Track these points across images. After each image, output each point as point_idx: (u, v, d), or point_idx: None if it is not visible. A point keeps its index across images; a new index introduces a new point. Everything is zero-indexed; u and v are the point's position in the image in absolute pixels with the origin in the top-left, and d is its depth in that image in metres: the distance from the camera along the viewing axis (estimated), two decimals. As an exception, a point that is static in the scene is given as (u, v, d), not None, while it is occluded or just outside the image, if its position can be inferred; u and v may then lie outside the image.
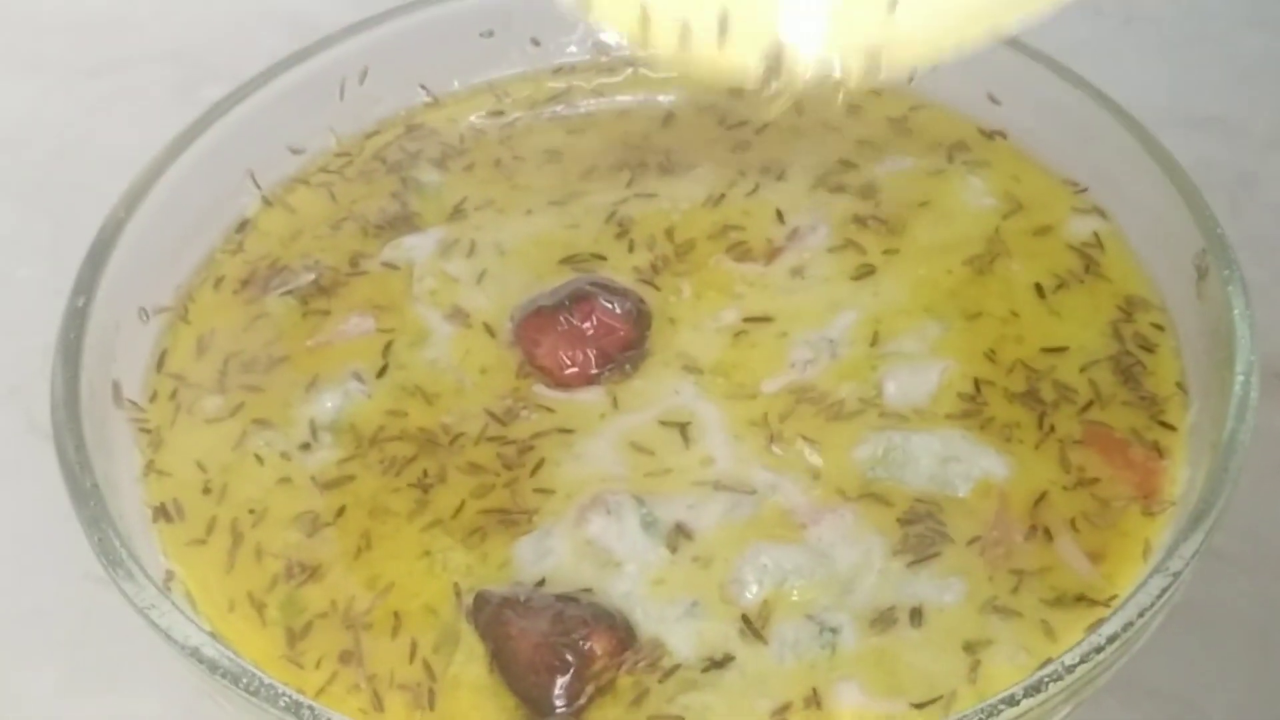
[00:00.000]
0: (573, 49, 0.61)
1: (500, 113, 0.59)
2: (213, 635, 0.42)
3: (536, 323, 0.49)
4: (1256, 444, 0.59)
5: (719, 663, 0.41)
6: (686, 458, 0.46)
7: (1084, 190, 0.54)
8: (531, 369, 0.49)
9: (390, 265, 0.53)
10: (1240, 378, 0.43)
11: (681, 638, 0.42)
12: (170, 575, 0.44)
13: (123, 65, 0.84)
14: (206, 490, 0.47)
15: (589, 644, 0.40)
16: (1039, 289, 0.50)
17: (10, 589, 0.57)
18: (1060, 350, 0.48)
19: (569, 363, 0.48)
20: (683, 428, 0.47)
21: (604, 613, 0.42)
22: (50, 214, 0.74)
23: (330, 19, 0.82)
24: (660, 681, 0.41)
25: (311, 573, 0.44)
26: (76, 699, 0.55)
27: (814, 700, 0.40)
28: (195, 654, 0.38)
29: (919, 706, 0.40)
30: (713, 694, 0.41)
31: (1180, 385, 0.47)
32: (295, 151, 0.57)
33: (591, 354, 0.49)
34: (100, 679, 0.56)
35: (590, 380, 0.48)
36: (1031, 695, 0.37)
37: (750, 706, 0.40)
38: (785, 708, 0.40)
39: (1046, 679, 0.37)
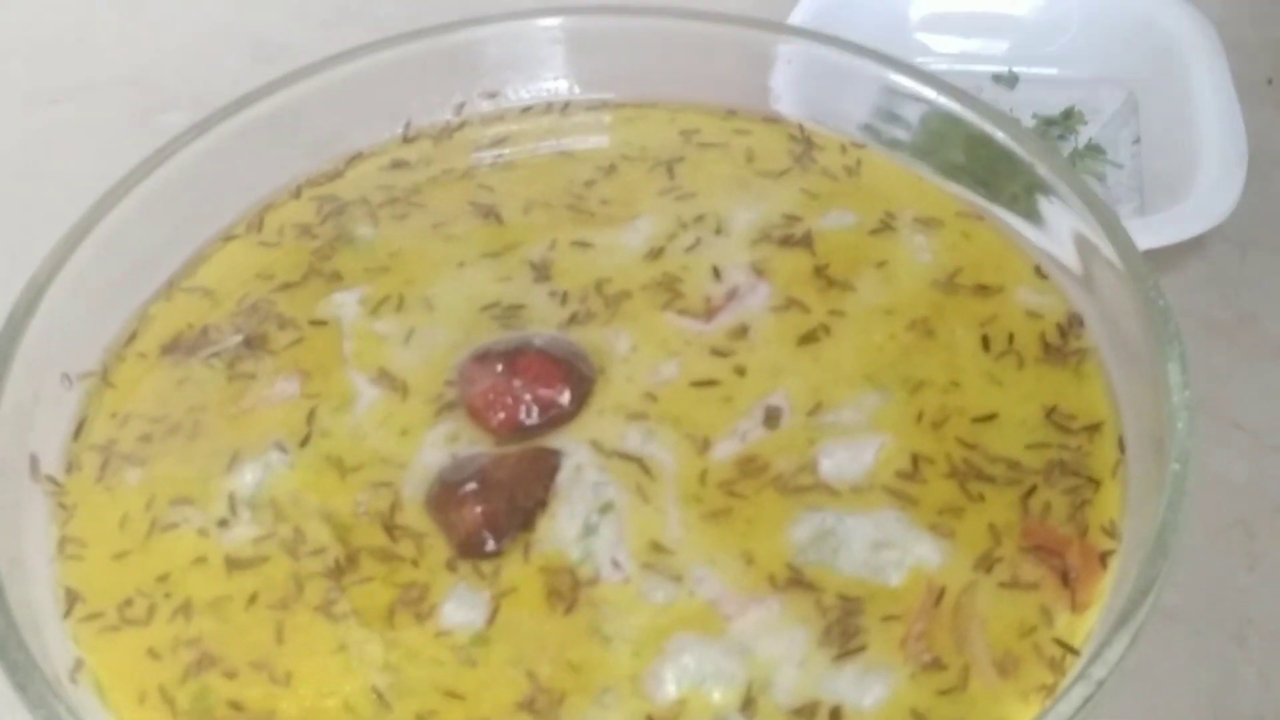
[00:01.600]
0: (521, 94, 0.60)
1: (438, 160, 0.58)
2: (120, 731, 0.41)
3: (476, 366, 0.49)
4: (1211, 495, 0.58)
5: None
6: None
7: (1032, 254, 0.52)
8: (465, 414, 0.48)
9: (319, 323, 0.52)
10: (1175, 467, 0.41)
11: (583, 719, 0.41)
12: (79, 664, 0.43)
13: (82, 90, 0.83)
14: (120, 572, 0.45)
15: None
16: (983, 357, 0.49)
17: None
18: (1001, 424, 0.47)
19: (499, 409, 0.47)
20: (603, 508, 0.46)
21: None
22: (5, 242, 0.72)
23: (292, 42, 0.81)
24: None
25: (225, 665, 0.43)
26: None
27: None
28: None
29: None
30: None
31: (1120, 468, 0.46)
32: (227, 206, 0.55)
33: (523, 405, 0.47)
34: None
35: (519, 431, 0.47)
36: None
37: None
38: None
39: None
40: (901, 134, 0.56)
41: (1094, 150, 0.71)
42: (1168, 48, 0.71)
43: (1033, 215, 0.52)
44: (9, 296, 0.50)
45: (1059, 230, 0.51)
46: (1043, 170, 0.51)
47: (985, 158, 0.53)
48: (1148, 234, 0.60)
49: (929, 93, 0.54)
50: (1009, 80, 0.75)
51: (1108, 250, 0.48)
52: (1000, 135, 0.52)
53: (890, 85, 0.55)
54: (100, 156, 0.71)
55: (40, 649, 0.41)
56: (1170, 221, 0.63)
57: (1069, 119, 0.73)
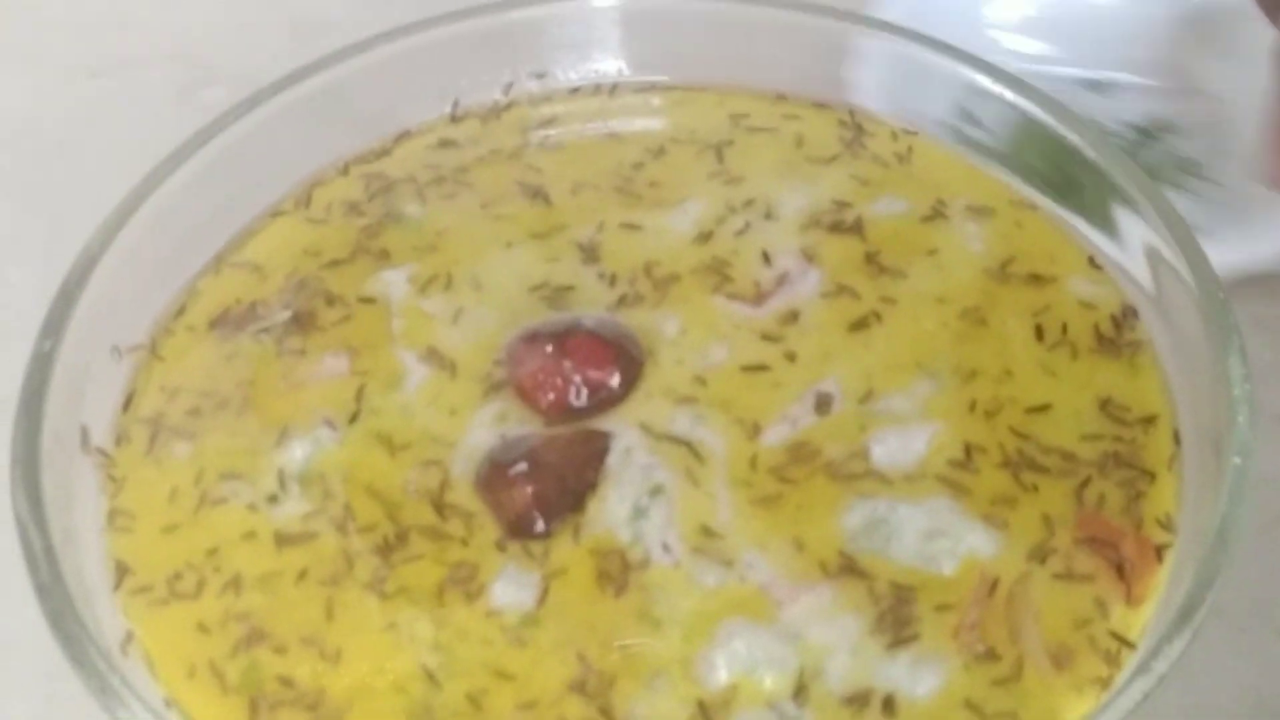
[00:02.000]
0: (570, 75, 0.59)
1: (486, 139, 0.58)
2: (169, 702, 0.41)
3: (526, 346, 0.49)
4: (1258, 493, 0.57)
5: None
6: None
7: (1086, 244, 0.52)
8: (514, 394, 0.48)
9: (367, 300, 0.52)
10: (1236, 461, 0.41)
11: (634, 702, 0.41)
12: (129, 636, 0.43)
13: (124, 65, 0.83)
14: (170, 544, 0.45)
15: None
16: (1036, 347, 0.49)
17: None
18: (1055, 415, 0.47)
19: (549, 390, 0.47)
20: (653, 491, 0.45)
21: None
22: (46, 214, 0.73)
23: (334, 20, 0.81)
24: None
25: (274, 641, 0.43)
26: (52, 730, 0.55)
27: None
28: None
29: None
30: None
31: (1175, 461, 0.45)
32: (275, 182, 0.55)
33: (573, 387, 0.47)
34: (77, 711, 0.55)
35: (568, 412, 0.47)
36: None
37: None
38: None
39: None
40: (983, 135, 0.55)
41: (1186, 163, 0.69)
42: (1265, 61, 0.69)
43: (1097, 217, 0.51)
44: (51, 268, 0.50)
45: (1127, 233, 0.50)
46: (1096, 160, 0.51)
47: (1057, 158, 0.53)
48: (1239, 250, 0.59)
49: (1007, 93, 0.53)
50: (1098, 86, 0.73)
51: (1168, 247, 0.47)
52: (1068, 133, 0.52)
53: (971, 84, 0.54)
54: (142, 131, 0.70)
55: (93, 621, 0.41)
56: (1261, 237, 0.61)
57: (1160, 129, 0.70)
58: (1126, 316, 0.50)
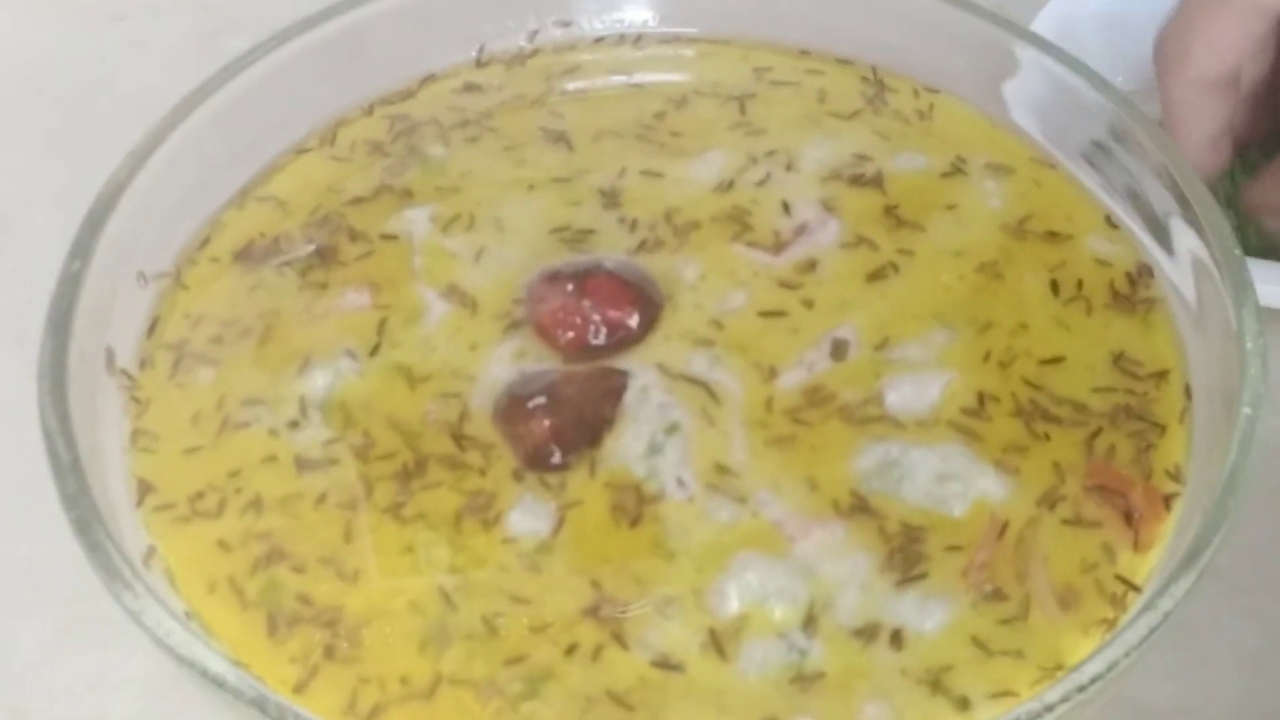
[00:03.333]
0: (595, 24, 0.60)
1: (510, 85, 0.58)
2: (189, 615, 0.42)
3: (547, 285, 0.49)
4: (1258, 459, 0.58)
5: (672, 666, 0.41)
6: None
7: (1103, 203, 0.52)
8: (533, 332, 0.48)
9: (390, 237, 0.52)
10: (1247, 411, 0.41)
11: (645, 628, 0.42)
12: (151, 551, 0.44)
13: (148, 11, 0.83)
14: (192, 465, 0.46)
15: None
16: (1051, 302, 0.49)
17: (3, 539, 0.57)
18: (1068, 367, 0.47)
19: (568, 328, 0.48)
20: (669, 429, 0.46)
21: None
22: (69, 158, 0.73)
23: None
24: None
25: (293, 560, 0.43)
26: (67, 654, 0.55)
27: None
28: (164, 644, 0.38)
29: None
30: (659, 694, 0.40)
31: (1186, 414, 0.46)
32: (299, 120, 0.56)
33: (592, 325, 0.48)
34: (91, 635, 0.55)
35: (586, 351, 0.48)
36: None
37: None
38: None
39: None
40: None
41: None
42: None
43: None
44: (72, 210, 0.50)
45: (1144, 192, 0.51)
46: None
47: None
48: None
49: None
50: None
51: (1185, 207, 0.48)
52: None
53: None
54: (161, 78, 0.70)
55: (117, 534, 0.42)
56: None
57: None
58: (1141, 274, 0.50)
